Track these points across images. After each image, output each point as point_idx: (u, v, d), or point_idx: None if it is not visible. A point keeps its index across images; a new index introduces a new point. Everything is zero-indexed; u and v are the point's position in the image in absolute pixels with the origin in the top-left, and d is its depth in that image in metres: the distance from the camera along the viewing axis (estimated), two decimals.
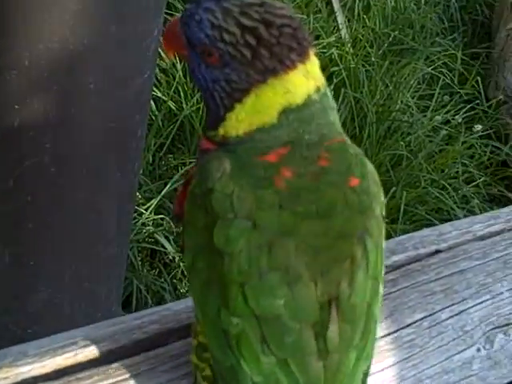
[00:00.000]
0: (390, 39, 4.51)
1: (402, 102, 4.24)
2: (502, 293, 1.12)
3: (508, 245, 1.20)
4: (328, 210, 0.78)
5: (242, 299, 0.75)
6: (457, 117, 4.46)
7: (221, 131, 0.82)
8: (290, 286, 0.74)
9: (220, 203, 0.77)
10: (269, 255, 0.75)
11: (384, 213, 0.84)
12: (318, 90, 0.80)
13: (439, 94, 4.51)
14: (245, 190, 0.76)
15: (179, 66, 3.63)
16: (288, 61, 0.76)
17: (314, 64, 0.81)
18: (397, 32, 4.54)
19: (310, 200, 0.77)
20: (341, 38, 4.09)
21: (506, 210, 1.32)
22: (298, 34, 0.77)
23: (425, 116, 4.32)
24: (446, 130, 4.32)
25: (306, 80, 0.78)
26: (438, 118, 4.38)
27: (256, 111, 0.78)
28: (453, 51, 4.85)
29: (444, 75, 4.65)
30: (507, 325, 1.10)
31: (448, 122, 4.44)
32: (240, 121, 0.80)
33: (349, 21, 4.45)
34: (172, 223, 3.23)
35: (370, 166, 0.84)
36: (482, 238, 1.21)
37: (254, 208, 0.75)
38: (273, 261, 0.75)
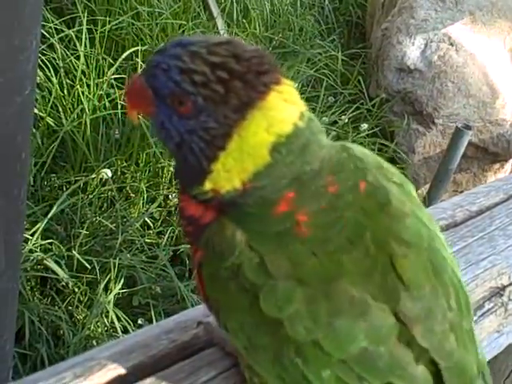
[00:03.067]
0: (272, 42, 4.50)
1: None
2: None
3: None
4: (357, 231, 0.73)
5: (321, 353, 0.70)
6: (343, 117, 4.51)
7: (207, 186, 0.73)
8: (363, 317, 0.70)
9: (255, 275, 0.70)
10: (328, 302, 0.70)
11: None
12: (302, 116, 0.73)
13: (324, 95, 4.55)
14: (272, 252, 0.70)
15: (54, 80, 3.43)
16: (261, 86, 0.70)
17: (289, 87, 0.74)
18: (277, 35, 4.53)
19: (337, 231, 0.72)
20: None
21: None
22: (268, 64, 0.72)
23: None
24: (334, 130, 4.36)
25: (287, 105, 0.71)
26: (325, 119, 4.41)
27: (244, 154, 0.71)
28: (333, 52, 4.92)
29: (327, 76, 4.70)
30: None
31: (335, 122, 4.48)
32: (230, 170, 0.71)
33: (228, 26, 4.39)
34: None
35: (370, 158, 0.81)
36: None
37: (290, 266, 0.70)
38: (334, 305, 0.70)
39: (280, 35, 4.63)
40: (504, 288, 1.17)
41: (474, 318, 1.12)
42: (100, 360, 0.81)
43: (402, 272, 0.73)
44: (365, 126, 4.56)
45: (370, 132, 4.59)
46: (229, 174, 0.71)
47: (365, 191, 0.75)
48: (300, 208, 0.71)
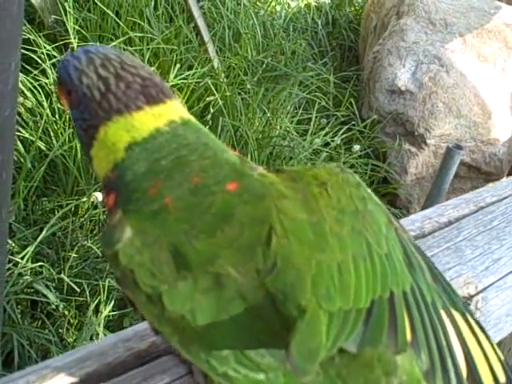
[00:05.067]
0: (264, 66, 4.54)
1: (281, 127, 4.26)
2: None
3: None
4: (225, 210, 0.75)
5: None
6: (335, 138, 4.54)
7: (94, 170, 0.85)
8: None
9: (145, 275, 0.74)
10: (195, 280, 0.72)
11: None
12: (171, 122, 0.81)
13: (316, 117, 4.58)
14: (150, 230, 0.75)
15: (46, 104, 3.46)
16: (133, 105, 0.80)
17: (169, 107, 0.83)
18: (269, 59, 4.58)
19: (204, 210, 0.75)
20: (213, 67, 4.05)
21: None
22: (149, 89, 0.82)
23: (305, 140, 4.36)
24: (327, 152, 4.38)
25: (154, 118, 0.81)
26: (318, 140, 4.44)
27: (106, 147, 0.81)
28: (325, 75, 4.96)
29: (319, 99, 4.74)
30: None
31: (327, 144, 4.50)
32: (98, 157, 0.83)
33: (221, 50, 4.44)
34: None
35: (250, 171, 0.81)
36: None
37: (167, 246, 0.74)
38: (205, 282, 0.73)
39: (272, 59, 4.67)
40: (471, 297, 1.18)
41: None
42: (54, 368, 0.81)
43: (278, 249, 0.73)
44: (357, 147, 4.59)
45: (363, 153, 4.62)
46: (99, 162, 0.82)
47: (236, 189, 0.77)
48: (167, 193, 0.76)
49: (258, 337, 0.71)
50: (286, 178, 0.79)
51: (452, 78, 4.69)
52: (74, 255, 3.14)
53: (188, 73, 3.81)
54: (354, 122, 4.74)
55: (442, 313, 0.82)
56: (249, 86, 4.06)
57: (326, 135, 4.51)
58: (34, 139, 3.39)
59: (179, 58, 3.93)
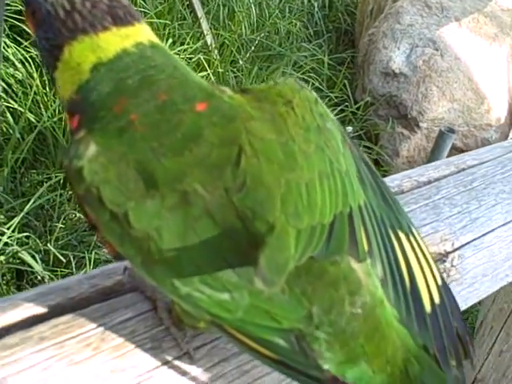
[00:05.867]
0: (258, 45, 4.52)
1: None
2: None
3: None
4: (194, 129, 0.73)
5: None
6: None
7: (59, 93, 0.82)
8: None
9: (110, 191, 0.72)
10: (162, 198, 0.70)
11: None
12: (138, 44, 0.79)
13: None
14: (116, 147, 0.73)
15: (36, 76, 3.43)
16: (99, 25, 0.78)
17: (138, 29, 0.80)
18: (264, 38, 4.55)
19: (172, 129, 0.73)
20: (206, 43, 4.03)
21: None
22: (116, 10, 0.79)
23: None
24: None
25: (121, 39, 0.78)
26: None
27: (71, 68, 0.78)
28: (320, 56, 4.94)
29: (313, 80, 4.72)
30: None
31: None
32: (62, 79, 0.80)
33: (215, 28, 4.41)
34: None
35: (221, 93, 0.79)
36: None
37: (133, 163, 0.72)
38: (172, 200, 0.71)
39: (266, 38, 4.65)
40: (447, 254, 1.17)
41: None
42: (15, 301, 0.80)
43: (247, 168, 0.72)
44: (349, 128, 4.58)
45: (355, 135, 4.61)
46: (64, 83, 0.80)
47: (205, 109, 0.75)
48: (133, 110, 0.75)
49: (225, 256, 0.70)
50: (252, 99, 0.78)
51: (446, 62, 4.68)
52: (60, 226, 3.13)
53: (180, 48, 3.78)
54: (347, 104, 4.73)
55: (390, 231, 0.82)
56: (241, 63, 4.04)
57: None
58: (23, 110, 3.37)
59: (172, 33, 3.91)
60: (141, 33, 0.80)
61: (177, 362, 0.81)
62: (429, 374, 0.75)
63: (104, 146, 0.72)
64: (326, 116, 0.81)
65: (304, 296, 0.72)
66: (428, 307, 0.80)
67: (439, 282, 0.83)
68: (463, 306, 1.25)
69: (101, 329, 0.80)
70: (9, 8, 3.65)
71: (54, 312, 0.81)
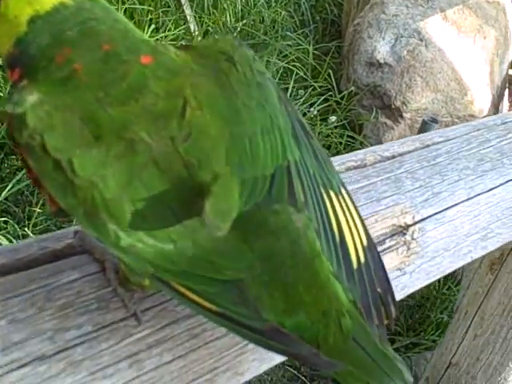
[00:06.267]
0: (242, 33, 4.51)
1: None
2: None
3: None
4: (140, 80, 0.73)
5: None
6: (312, 109, 4.52)
7: None
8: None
9: (54, 138, 0.70)
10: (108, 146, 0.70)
11: None
12: None
13: (294, 87, 4.56)
14: (59, 99, 0.72)
15: None
16: None
17: None
18: (248, 26, 4.54)
19: (118, 79, 0.73)
20: (190, 30, 4.02)
21: (339, 156, 1.28)
22: None
23: None
24: None
25: None
26: None
27: (8, 21, 0.77)
28: (305, 46, 4.93)
29: (298, 69, 4.71)
30: None
31: (304, 114, 4.49)
32: (2, 34, 0.78)
33: (199, 16, 4.40)
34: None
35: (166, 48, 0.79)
36: None
37: (77, 112, 0.71)
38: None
39: (251, 27, 4.64)
40: (408, 227, 1.17)
41: None
42: None
43: (193, 119, 0.72)
44: (333, 118, 4.57)
45: (339, 124, 4.60)
46: (1, 37, 0.78)
47: (150, 63, 0.75)
48: (76, 59, 0.74)
49: (170, 205, 0.70)
50: (196, 56, 0.78)
51: (431, 53, 4.68)
52: (39, 211, 3.12)
53: (163, 34, 3.77)
54: (331, 94, 4.73)
55: (321, 189, 0.83)
56: None
57: (302, 105, 4.49)
58: (2, 95, 3.35)
59: (155, 19, 3.89)
60: None
61: (123, 323, 0.81)
62: (358, 329, 0.76)
63: (48, 94, 0.71)
64: (264, 73, 0.82)
65: (246, 245, 0.73)
66: (355, 265, 0.81)
67: (365, 243, 0.85)
68: (426, 280, 1.26)
69: (47, 288, 0.80)
70: None
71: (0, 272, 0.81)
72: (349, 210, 0.85)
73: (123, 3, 3.89)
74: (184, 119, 0.71)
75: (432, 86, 4.65)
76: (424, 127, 4.17)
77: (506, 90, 5.51)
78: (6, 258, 0.83)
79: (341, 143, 4.46)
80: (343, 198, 0.85)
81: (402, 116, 4.63)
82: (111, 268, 0.83)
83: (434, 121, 4.22)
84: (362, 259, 0.82)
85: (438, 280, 3.85)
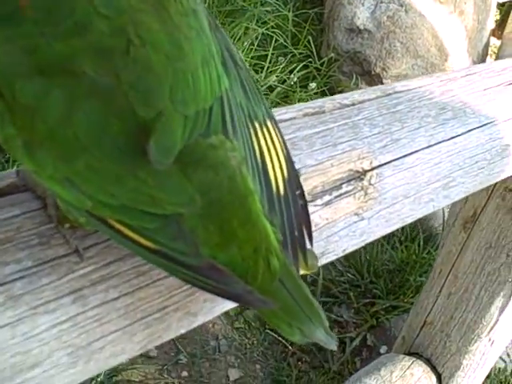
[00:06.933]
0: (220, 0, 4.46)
1: None
2: None
3: (296, 129, 1.14)
4: (87, 17, 0.70)
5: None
6: (291, 76, 4.50)
7: None
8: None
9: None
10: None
11: None
12: None
13: (273, 54, 4.53)
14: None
15: None
16: None
17: None
18: None
19: (65, 16, 0.69)
20: None
21: (298, 104, 1.27)
22: None
23: (260, 76, 4.32)
24: (282, 88, 4.35)
25: None
26: (273, 77, 4.40)
27: None
28: (284, 12, 4.89)
29: (277, 36, 4.68)
30: None
31: (284, 81, 4.47)
32: None
33: None
34: None
35: None
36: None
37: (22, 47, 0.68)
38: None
39: None
40: (365, 172, 1.16)
41: (329, 198, 1.11)
42: None
43: (137, 56, 0.70)
44: (313, 85, 4.56)
45: (319, 91, 4.59)
46: None
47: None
48: None
49: (112, 138, 0.69)
50: None
51: (410, 18, 4.66)
52: None
53: None
54: (311, 60, 4.71)
55: (247, 119, 0.83)
56: None
57: (282, 72, 4.47)
58: None
59: None
60: None
61: (65, 259, 0.80)
62: (285, 270, 0.77)
63: None
64: (198, 1, 0.81)
65: (187, 179, 0.73)
66: (275, 195, 0.82)
67: (285, 175, 0.85)
68: (386, 228, 1.26)
69: None
70: None
71: None
72: (272, 141, 0.85)
73: None
74: (128, 56, 0.70)
75: (412, 51, 4.64)
76: None
77: (488, 57, 5.50)
78: None
79: None
80: (268, 129, 0.85)
81: (382, 82, 4.63)
82: (52, 204, 0.82)
83: None
84: (282, 191, 0.83)
85: (418, 244, 3.88)
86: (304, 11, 5.17)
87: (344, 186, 1.14)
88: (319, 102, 1.27)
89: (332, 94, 4.67)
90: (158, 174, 0.71)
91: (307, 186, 1.08)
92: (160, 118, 0.70)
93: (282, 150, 0.87)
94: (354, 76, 4.64)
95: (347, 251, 1.18)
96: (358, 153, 1.17)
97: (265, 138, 0.84)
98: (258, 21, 4.69)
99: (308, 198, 1.07)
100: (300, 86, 4.46)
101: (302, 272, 0.83)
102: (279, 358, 3.36)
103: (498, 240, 2.18)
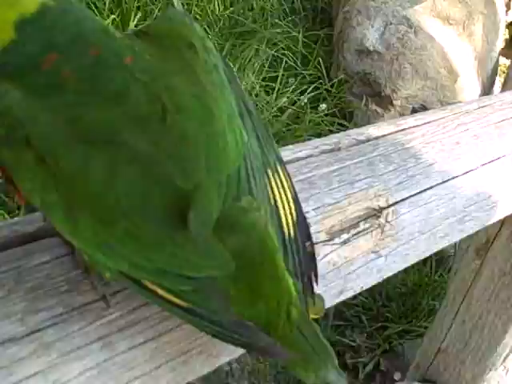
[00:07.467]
0: (230, 21, 4.51)
1: (247, 83, 4.25)
2: (308, 212, 1.07)
3: (314, 167, 1.17)
4: (124, 84, 0.74)
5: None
6: (302, 97, 4.53)
7: None
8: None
9: (40, 131, 0.70)
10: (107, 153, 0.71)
11: None
12: None
13: (283, 75, 4.56)
14: (46, 103, 0.71)
15: None
16: None
17: None
18: (236, 14, 4.54)
19: (104, 84, 0.73)
20: None
21: (314, 140, 1.29)
22: None
23: (270, 97, 4.35)
24: (293, 109, 4.37)
25: None
26: (284, 98, 4.43)
27: None
28: (294, 34, 4.93)
29: (287, 57, 4.72)
30: (315, 244, 1.06)
31: (294, 102, 4.50)
32: None
33: (187, 4, 4.39)
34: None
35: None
36: (290, 162, 1.16)
37: (65, 118, 0.71)
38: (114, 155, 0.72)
39: (239, 14, 4.63)
40: (382, 210, 1.18)
41: (347, 236, 1.13)
42: None
43: (173, 124, 0.74)
44: (323, 106, 4.58)
45: (329, 112, 4.61)
46: None
47: (131, 63, 0.75)
48: (64, 66, 0.73)
49: (152, 206, 0.72)
50: (158, 46, 0.79)
51: (420, 40, 4.69)
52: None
53: (150, 22, 3.76)
54: (321, 81, 4.73)
55: (263, 169, 0.86)
56: (213, 39, 4.03)
57: (292, 93, 4.50)
58: None
59: (142, 7, 3.89)
60: None
61: (93, 306, 0.83)
62: (301, 318, 0.80)
63: (34, 95, 0.70)
64: (212, 49, 0.83)
65: (222, 244, 0.75)
66: (287, 238, 0.85)
67: (295, 219, 0.88)
68: (403, 263, 1.27)
69: (16, 271, 0.81)
70: None
71: None
72: (283, 186, 0.88)
73: None
74: (165, 124, 0.73)
75: (422, 73, 4.66)
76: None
77: (497, 78, 5.51)
78: None
79: (331, 131, 4.47)
80: (278, 174, 0.88)
81: (392, 103, 4.64)
82: (80, 252, 0.85)
83: (424, 108, 4.24)
84: (292, 234, 0.86)
85: (430, 267, 3.87)
86: (313, 32, 5.21)
87: (361, 223, 1.16)
88: (335, 137, 1.29)
89: (342, 116, 4.70)
90: (196, 239, 0.74)
91: (325, 225, 1.10)
92: (198, 190, 0.73)
93: (291, 193, 0.89)
94: (364, 97, 4.66)
95: (364, 288, 1.19)
96: (374, 190, 1.19)
97: (276, 184, 0.87)
98: (268, 42, 4.72)
99: (326, 237, 1.10)
100: (310, 108, 4.48)
101: (311, 316, 0.86)
102: (292, 382, 3.36)
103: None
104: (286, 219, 0.86)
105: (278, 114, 4.31)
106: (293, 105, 4.44)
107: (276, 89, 4.44)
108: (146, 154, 0.71)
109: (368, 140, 1.29)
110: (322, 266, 1.07)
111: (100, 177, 0.70)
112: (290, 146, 1.24)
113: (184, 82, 0.77)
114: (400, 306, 3.64)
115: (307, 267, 0.87)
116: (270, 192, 0.85)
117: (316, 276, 0.88)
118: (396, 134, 1.34)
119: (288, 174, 0.90)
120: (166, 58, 0.78)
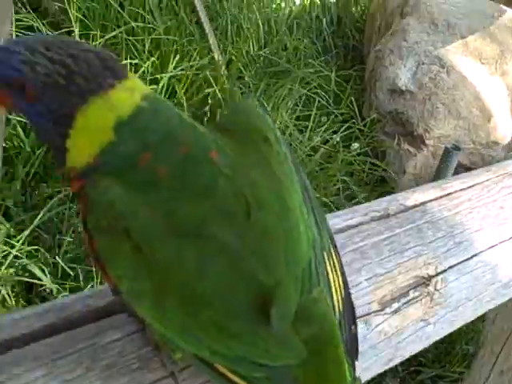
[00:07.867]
0: (265, 61, 4.58)
1: (280, 122, 4.31)
2: (360, 282, 1.10)
3: (365, 236, 1.20)
4: (212, 179, 0.79)
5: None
6: (335, 136, 4.57)
7: (70, 163, 0.79)
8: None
9: (139, 224, 0.76)
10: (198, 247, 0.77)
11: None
12: (145, 97, 0.79)
13: (316, 114, 4.62)
14: (144, 198, 0.77)
15: None
16: (105, 83, 0.76)
17: (134, 81, 0.80)
18: (270, 54, 4.62)
19: (193, 180, 0.78)
20: (214, 59, 4.10)
21: (363, 205, 1.32)
22: (108, 63, 0.78)
23: (304, 136, 4.40)
24: (326, 148, 4.41)
25: (130, 94, 0.78)
26: (317, 137, 4.47)
27: (90, 132, 0.76)
28: (327, 73, 5.00)
29: (320, 96, 4.78)
30: (368, 314, 1.09)
31: (327, 141, 4.54)
32: (78, 147, 0.77)
33: (223, 44, 4.48)
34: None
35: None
36: (341, 230, 1.20)
37: (161, 213, 0.76)
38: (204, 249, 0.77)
39: (274, 54, 4.71)
40: (430, 278, 1.21)
41: (397, 305, 1.16)
42: (13, 318, 0.86)
43: (255, 221, 0.78)
44: (356, 145, 4.62)
45: (362, 151, 4.65)
46: (79, 151, 0.77)
47: (216, 158, 0.80)
48: (158, 164, 0.78)
49: (237, 299, 0.77)
50: (237, 140, 0.84)
51: (452, 80, 4.72)
52: (69, 239, 3.19)
53: (188, 64, 3.85)
54: (354, 121, 4.78)
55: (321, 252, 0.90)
56: (248, 79, 4.10)
57: (325, 131, 4.55)
58: None
59: (180, 49, 3.98)
60: (138, 83, 0.81)
61: (163, 383, 0.87)
62: None
63: (133, 191, 0.76)
64: (282, 140, 0.88)
65: (298, 335, 0.80)
66: (338, 316, 0.89)
67: (343, 294, 0.92)
68: (450, 329, 1.29)
69: (92, 348, 0.85)
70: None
71: (49, 331, 0.86)
72: (334, 266, 0.92)
73: (149, 34, 3.99)
74: (249, 220, 0.78)
75: (454, 112, 4.68)
76: (447, 155, 4.19)
77: None
78: (54, 316, 0.88)
79: (363, 170, 4.50)
80: (331, 256, 0.92)
81: (424, 143, 4.66)
82: (150, 329, 0.89)
83: (457, 148, 4.24)
84: (342, 310, 0.90)
85: None
86: (345, 71, 5.27)
87: (411, 292, 1.18)
88: (384, 202, 1.33)
89: (375, 155, 4.73)
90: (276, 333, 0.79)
91: (377, 295, 1.13)
92: (279, 286, 0.78)
93: (341, 272, 0.93)
94: (397, 136, 4.69)
95: (412, 353, 1.22)
96: (423, 259, 1.22)
97: (330, 266, 0.91)
98: (301, 81, 4.79)
99: (378, 307, 1.13)
100: (343, 147, 4.52)
101: None
102: None
103: None
104: (337, 295, 0.90)
105: (311, 153, 4.36)
106: (325, 144, 4.48)
107: (309, 128, 4.49)
108: (232, 248, 0.76)
109: (415, 206, 1.33)
110: (373, 335, 1.10)
111: (191, 268, 0.75)
112: (340, 212, 1.28)
113: (261, 175, 0.82)
114: (433, 351, 3.62)
115: (351, 346, 0.91)
116: (325, 273, 0.89)
117: (357, 352, 0.92)
118: (442, 200, 1.37)
119: (337, 251, 0.94)
120: (245, 151, 0.83)
